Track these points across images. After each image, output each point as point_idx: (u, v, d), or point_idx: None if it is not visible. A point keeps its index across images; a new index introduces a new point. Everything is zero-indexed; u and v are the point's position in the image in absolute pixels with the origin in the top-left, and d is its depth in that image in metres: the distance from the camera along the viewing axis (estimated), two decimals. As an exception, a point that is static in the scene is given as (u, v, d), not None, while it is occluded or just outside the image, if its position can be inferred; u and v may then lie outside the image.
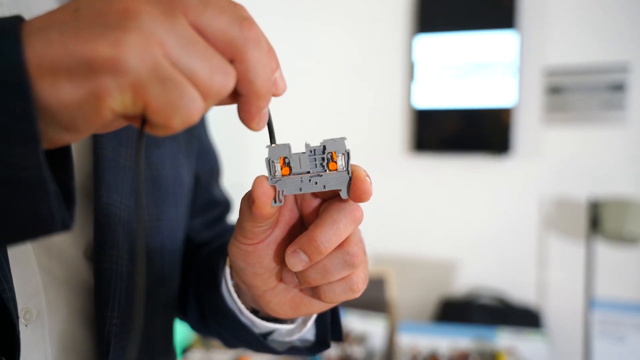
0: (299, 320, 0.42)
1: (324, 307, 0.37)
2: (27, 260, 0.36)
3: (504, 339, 1.50)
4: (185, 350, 1.57)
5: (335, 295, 0.33)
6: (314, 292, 0.34)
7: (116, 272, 0.40)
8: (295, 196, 0.35)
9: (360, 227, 0.35)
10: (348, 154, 0.30)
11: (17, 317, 0.33)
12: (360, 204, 0.32)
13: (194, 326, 0.54)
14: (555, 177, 1.81)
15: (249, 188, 0.31)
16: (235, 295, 0.41)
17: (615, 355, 1.41)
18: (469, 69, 1.82)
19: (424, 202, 1.94)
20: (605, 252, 1.70)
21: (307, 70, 2.00)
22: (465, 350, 1.50)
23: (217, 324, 0.46)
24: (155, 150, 0.46)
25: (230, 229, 0.59)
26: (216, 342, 1.59)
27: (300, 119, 1.99)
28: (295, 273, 0.33)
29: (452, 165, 1.90)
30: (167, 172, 0.48)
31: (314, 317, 0.42)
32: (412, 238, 1.96)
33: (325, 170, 0.30)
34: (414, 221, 1.95)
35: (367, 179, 0.30)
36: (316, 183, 0.31)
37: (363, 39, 1.98)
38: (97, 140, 0.40)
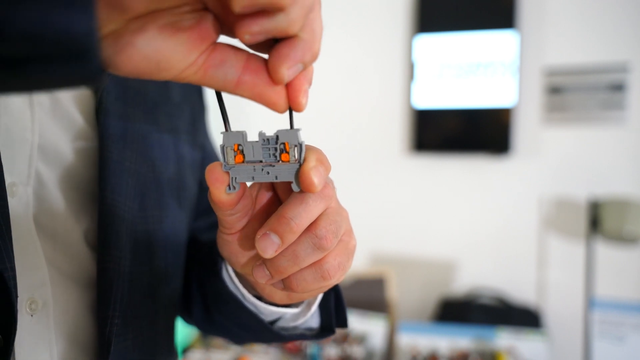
0: (304, 305, 0.43)
1: (314, 292, 0.37)
2: (33, 251, 0.37)
3: (504, 339, 1.50)
4: (185, 350, 1.57)
5: (307, 284, 0.32)
6: (285, 284, 0.33)
7: (118, 272, 0.40)
8: (273, 182, 0.34)
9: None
10: (301, 145, 0.30)
11: (17, 297, 0.33)
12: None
13: (200, 325, 0.54)
14: (555, 177, 1.81)
15: None
16: (236, 280, 0.41)
17: (615, 355, 1.41)
18: (469, 68, 1.82)
19: (424, 202, 1.94)
20: (605, 252, 1.70)
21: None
22: (465, 350, 1.50)
23: (221, 313, 0.46)
24: (160, 154, 0.47)
25: None
26: (216, 342, 1.59)
27: (300, 118, 1.99)
28: (266, 264, 0.32)
29: (452, 165, 1.90)
30: (171, 176, 0.48)
31: (318, 302, 0.42)
32: (412, 238, 1.96)
33: (278, 161, 0.30)
34: (414, 221, 1.95)
35: (315, 170, 0.29)
36: (268, 173, 0.30)
37: (363, 39, 1.98)
38: (102, 143, 0.40)
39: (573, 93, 1.77)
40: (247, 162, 0.30)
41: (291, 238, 0.30)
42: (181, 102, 0.52)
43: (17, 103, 0.37)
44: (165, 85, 0.50)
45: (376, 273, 1.74)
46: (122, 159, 0.41)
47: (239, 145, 0.30)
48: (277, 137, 0.30)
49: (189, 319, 0.56)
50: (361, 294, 1.70)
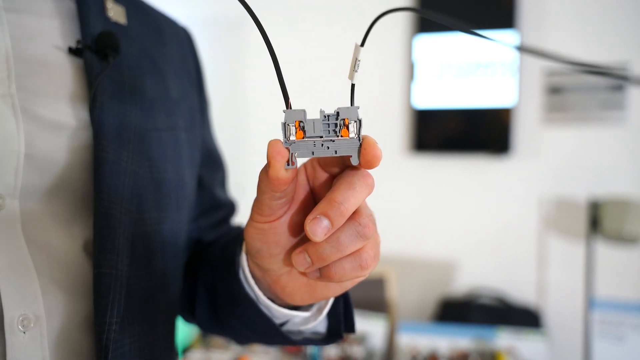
0: (314, 309, 0.42)
1: (338, 289, 0.38)
2: (24, 266, 0.36)
3: (504, 339, 1.50)
4: (185, 350, 1.57)
5: (345, 272, 0.32)
6: (323, 273, 0.33)
7: (115, 277, 0.39)
8: (307, 175, 0.35)
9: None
10: (360, 121, 0.31)
11: (3, 321, 0.34)
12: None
13: (203, 325, 0.53)
14: (555, 177, 1.81)
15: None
16: (252, 281, 0.41)
17: (615, 355, 1.41)
18: (469, 68, 1.82)
19: (424, 202, 1.94)
20: (605, 252, 1.70)
21: (307, 70, 2.00)
22: (465, 350, 1.50)
23: (232, 314, 0.45)
24: (158, 153, 0.46)
25: (236, 229, 0.59)
26: (216, 342, 1.59)
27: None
28: (308, 251, 0.32)
29: (452, 165, 1.90)
30: (169, 176, 0.47)
31: (329, 307, 0.42)
32: (412, 238, 1.96)
33: (338, 136, 0.31)
34: (414, 221, 1.95)
35: (377, 145, 0.31)
36: (328, 148, 0.31)
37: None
38: (98, 143, 0.39)
39: (573, 93, 1.77)
40: (308, 138, 0.31)
41: (340, 221, 0.31)
42: (180, 99, 0.51)
43: (1, 113, 0.36)
44: (163, 83, 0.49)
45: (376, 273, 1.74)
46: (118, 159, 0.40)
47: (300, 122, 0.31)
48: (338, 113, 0.31)
49: (190, 319, 0.55)
50: (361, 294, 1.70)
